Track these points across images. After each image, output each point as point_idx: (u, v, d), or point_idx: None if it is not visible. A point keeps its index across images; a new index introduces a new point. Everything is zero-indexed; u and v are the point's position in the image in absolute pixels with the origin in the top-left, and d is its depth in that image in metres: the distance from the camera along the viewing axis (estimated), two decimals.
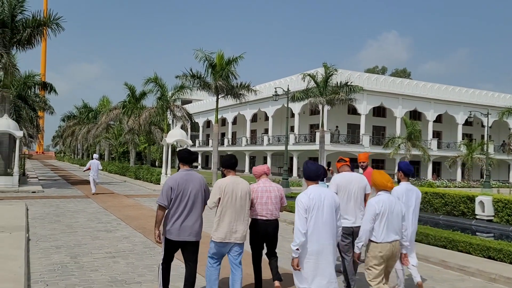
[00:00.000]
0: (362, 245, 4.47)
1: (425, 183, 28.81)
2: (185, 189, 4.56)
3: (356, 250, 4.55)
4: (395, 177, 30.82)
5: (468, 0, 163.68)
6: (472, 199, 12.92)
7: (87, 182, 22.48)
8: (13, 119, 20.74)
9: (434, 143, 40.68)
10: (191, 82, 25.82)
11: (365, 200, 5.54)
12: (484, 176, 31.59)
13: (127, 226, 10.41)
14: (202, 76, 25.27)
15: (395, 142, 30.65)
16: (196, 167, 52.76)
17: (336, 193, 5.20)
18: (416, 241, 6.86)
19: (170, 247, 4.67)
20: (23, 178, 22.75)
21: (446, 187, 29.13)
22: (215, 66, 24.92)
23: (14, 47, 20.49)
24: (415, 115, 42.94)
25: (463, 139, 41.54)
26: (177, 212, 4.54)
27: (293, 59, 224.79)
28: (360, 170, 7.45)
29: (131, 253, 7.49)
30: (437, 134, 44.35)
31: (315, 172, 4.21)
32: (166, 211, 4.59)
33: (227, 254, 4.73)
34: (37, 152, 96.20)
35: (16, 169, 19.11)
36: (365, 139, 36.49)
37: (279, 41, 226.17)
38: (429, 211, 14.19)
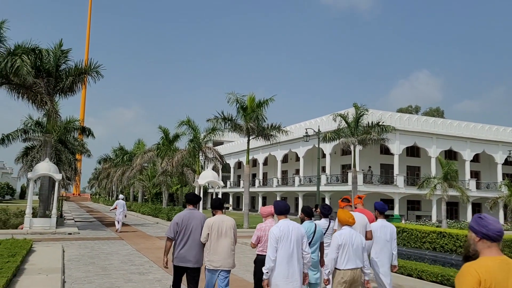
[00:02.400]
0: (329, 272, 5.14)
1: (465, 225, 27.55)
2: (188, 225, 5.58)
3: (324, 276, 5.22)
4: (431, 219, 29.36)
5: (501, 38, 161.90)
6: None
7: (123, 225, 22.93)
8: (54, 163, 21.57)
9: (472, 184, 39.15)
10: (223, 124, 26.34)
11: (366, 237, 6.13)
12: None
13: (160, 268, 10.41)
14: (233, 118, 25.77)
15: (431, 183, 29.70)
16: (227, 208, 52.66)
17: None
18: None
19: (177, 272, 5.65)
20: (60, 220, 23.34)
21: None
22: (246, 108, 25.40)
23: (57, 94, 21.62)
24: (450, 155, 41.76)
25: (503, 179, 39.81)
26: (181, 243, 5.54)
27: (324, 100, 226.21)
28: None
29: None
30: (475, 174, 42.77)
31: (284, 208, 5.17)
32: (173, 242, 5.61)
33: (217, 279, 5.62)
34: (73, 194, 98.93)
35: (54, 211, 19.67)
36: (399, 180, 35.60)
37: (310, 81, 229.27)
38: None
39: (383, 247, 6.25)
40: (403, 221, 31.46)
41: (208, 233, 5.56)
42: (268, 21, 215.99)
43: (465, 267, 2.32)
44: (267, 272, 4.82)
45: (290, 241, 4.85)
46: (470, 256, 2.42)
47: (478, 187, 39.88)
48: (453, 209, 41.19)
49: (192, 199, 5.84)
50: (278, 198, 44.90)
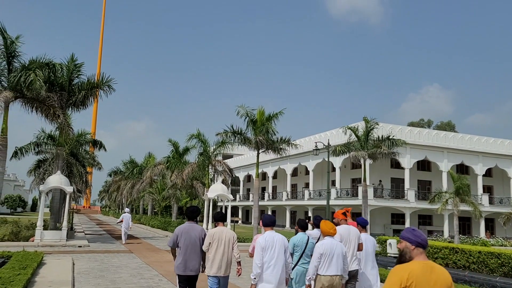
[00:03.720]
0: (310, 278, 5.54)
1: (478, 241, 27.09)
2: (187, 237, 6.09)
3: (306, 282, 5.58)
4: (443, 234, 28.93)
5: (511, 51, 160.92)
6: None
7: (130, 237, 23.01)
8: (65, 175, 21.79)
9: (485, 199, 38.59)
10: (232, 138, 26.42)
11: (358, 248, 6.46)
12: None
13: (169, 282, 10.38)
14: (242, 131, 25.84)
15: (442, 197, 29.32)
16: (237, 221, 52.51)
17: (341, 241, 6.03)
18: None
19: (180, 280, 6.14)
20: (71, 233, 23.47)
21: (501, 245, 27.20)
22: (256, 122, 25.48)
23: (70, 108, 21.94)
24: (462, 169, 41.31)
25: None
26: (181, 254, 6.07)
27: (334, 113, 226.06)
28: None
29: None
30: (488, 189, 42.18)
31: (270, 220, 5.74)
32: (176, 252, 6.19)
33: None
34: (84, 207, 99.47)
35: (64, 223, 19.78)
36: (410, 194, 35.24)
37: (320, 94, 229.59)
38: (484, 272, 13.23)
39: (367, 259, 6.74)
40: None
41: (210, 242, 6.05)
42: (278, 34, 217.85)
43: (394, 268, 2.89)
44: (254, 278, 5.40)
45: (274, 250, 5.45)
46: (404, 261, 2.95)
47: (491, 202, 39.30)
48: (465, 224, 40.56)
49: (190, 215, 6.36)
50: (287, 212, 44.69)
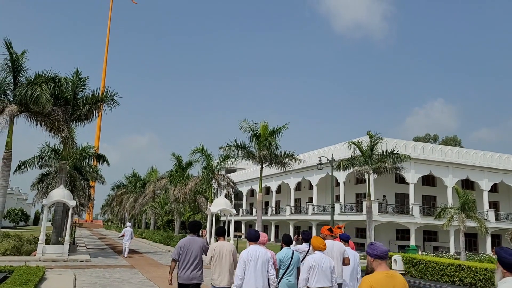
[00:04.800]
0: None
1: (485, 258, 26.67)
2: (189, 249, 6.60)
3: None
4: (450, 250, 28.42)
5: None
6: None
7: (131, 252, 22.86)
8: (68, 189, 21.75)
9: (491, 214, 38.16)
10: (235, 152, 26.40)
11: (344, 263, 6.96)
12: None
13: None
14: (246, 146, 25.84)
15: (448, 213, 29.02)
16: (240, 236, 52.09)
17: None
18: None
19: None
20: (73, 247, 23.32)
21: None
22: (259, 136, 25.50)
23: (74, 122, 22.02)
24: (467, 184, 40.98)
25: None
26: (183, 264, 6.56)
27: (338, 127, 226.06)
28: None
29: None
30: (494, 205, 41.75)
31: (254, 236, 6.12)
32: (178, 263, 6.64)
33: None
34: (86, 221, 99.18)
35: (67, 237, 19.67)
36: (415, 209, 34.91)
37: (324, 109, 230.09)
38: None
39: (352, 273, 7.19)
40: (419, 253, 30.59)
41: (212, 256, 6.48)
42: (282, 49, 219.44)
43: (363, 278, 3.42)
44: None
45: (257, 263, 5.82)
46: (369, 273, 3.48)
47: (497, 218, 38.86)
48: (471, 241, 40.07)
49: (192, 229, 6.90)
50: (291, 227, 44.36)
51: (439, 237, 38.78)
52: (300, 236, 7.97)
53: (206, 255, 6.69)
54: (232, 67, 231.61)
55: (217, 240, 6.81)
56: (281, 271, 6.51)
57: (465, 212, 27.23)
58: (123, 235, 21.82)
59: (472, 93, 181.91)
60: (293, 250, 6.76)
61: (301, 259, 6.99)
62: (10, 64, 18.34)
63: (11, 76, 18.53)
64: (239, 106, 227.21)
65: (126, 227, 22.56)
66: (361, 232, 39.62)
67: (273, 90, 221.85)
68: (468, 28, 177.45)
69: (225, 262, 6.45)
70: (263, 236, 6.61)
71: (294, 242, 8.87)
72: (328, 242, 6.93)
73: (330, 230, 7.39)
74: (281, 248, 6.88)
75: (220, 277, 6.37)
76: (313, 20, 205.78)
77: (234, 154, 27.39)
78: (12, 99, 18.54)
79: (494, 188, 41.50)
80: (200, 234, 7.23)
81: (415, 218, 34.30)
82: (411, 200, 35.52)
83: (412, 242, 33.54)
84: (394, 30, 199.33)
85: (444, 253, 31.92)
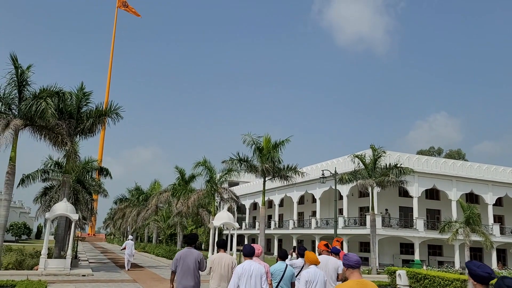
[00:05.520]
0: None
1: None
2: (185, 260, 6.93)
3: None
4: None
5: None
6: None
7: (134, 266, 22.74)
8: (71, 203, 21.73)
9: (496, 229, 37.80)
10: (238, 165, 26.39)
11: (338, 278, 7.11)
12: None
13: None
14: (249, 159, 25.84)
15: (452, 227, 28.79)
16: (241, 251, 51.79)
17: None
18: None
19: None
20: (75, 261, 23.20)
21: None
22: (262, 149, 25.52)
23: (77, 135, 22.09)
24: (471, 198, 40.73)
25: None
26: (180, 274, 6.88)
27: (341, 141, 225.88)
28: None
29: None
30: (498, 219, 41.42)
31: (248, 251, 6.33)
32: (176, 274, 6.99)
33: None
34: (88, 234, 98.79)
35: (69, 251, 19.58)
36: (419, 223, 34.65)
37: (327, 122, 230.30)
38: None
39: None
40: (424, 267, 30.28)
41: (211, 267, 6.84)
42: (285, 62, 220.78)
43: (336, 287, 3.87)
44: None
45: (250, 277, 6.01)
46: (344, 281, 3.80)
47: (502, 232, 38.50)
48: (477, 255, 39.66)
49: (189, 241, 7.29)
50: (294, 241, 44.05)
51: (444, 251, 38.42)
52: (296, 251, 8.23)
53: (201, 267, 7.04)
54: (235, 80, 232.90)
55: (218, 252, 7.13)
56: (274, 284, 6.69)
57: (470, 226, 27.01)
58: (125, 248, 22.36)
59: (475, 106, 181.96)
60: (287, 264, 6.92)
61: (296, 274, 7.16)
62: (15, 78, 18.50)
63: (16, 90, 18.68)
64: (241, 119, 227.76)
65: (128, 239, 23.10)
66: (364, 246, 39.29)
67: (276, 102, 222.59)
68: (471, 41, 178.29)
69: (224, 274, 6.76)
70: (257, 248, 6.77)
71: (289, 257, 9.05)
72: (324, 257, 7.27)
73: (327, 245, 7.59)
74: (276, 261, 7.06)
75: (218, 286, 6.68)
76: (315, 33, 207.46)
77: (237, 168, 27.37)
78: (17, 113, 18.68)
79: (498, 202, 41.21)
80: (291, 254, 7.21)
81: (419, 232, 34.04)
82: (415, 213, 35.29)
83: (417, 257, 33.20)
84: (397, 44, 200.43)
85: (449, 268, 31.55)
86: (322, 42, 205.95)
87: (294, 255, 10.61)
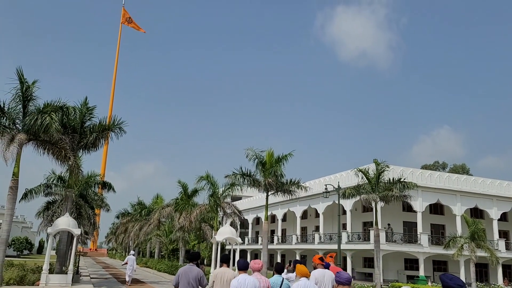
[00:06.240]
0: None
1: None
2: (186, 276, 7.22)
3: None
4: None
5: None
6: None
7: (135, 281, 22.53)
8: (74, 217, 21.64)
9: (501, 244, 37.34)
10: (241, 179, 26.30)
11: None
12: None
13: None
14: (251, 173, 25.76)
15: (457, 242, 28.48)
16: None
17: (316, 284, 6.95)
18: None
19: None
20: (76, 276, 23.04)
21: None
22: (265, 164, 25.47)
23: (81, 150, 22.12)
24: (476, 213, 40.37)
25: None
26: None
27: (344, 155, 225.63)
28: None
29: None
30: (504, 234, 40.96)
31: (243, 265, 6.61)
32: None
33: None
34: (90, 249, 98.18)
35: (70, 267, 19.46)
36: (424, 238, 34.28)
37: (330, 137, 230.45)
38: None
39: None
40: (429, 283, 29.87)
41: (213, 281, 7.05)
42: (288, 77, 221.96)
43: None
44: None
45: None
46: None
47: (507, 247, 38.02)
48: (482, 271, 39.11)
49: (191, 258, 7.60)
50: (297, 256, 43.63)
51: (449, 267, 37.92)
52: (291, 266, 8.54)
53: (201, 283, 7.31)
54: (237, 94, 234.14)
55: (221, 266, 7.39)
56: None
57: (475, 241, 26.72)
58: (126, 263, 22.60)
59: (478, 120, 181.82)
60: (283, 278, 7.09)
61: None
62: (20, 94, 18.62)
63: (21, 106, 18.79)
64: (244, 133, 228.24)
65: (130, 254, 23.32)
66: (368, 261, 38.87)
67: (279, 117, 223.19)
68: (473, 56, 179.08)
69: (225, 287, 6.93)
70: (257, 263, 6.92)
71: (285, 270, 9.30)
72: (320, 271, 7.50)
73: (321, 259, 7.84)
74: (273, 275, 7.24)
75: None
76: (318, 48, 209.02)
77: (240, 182, 27.27)
78: (21, 128, 18.76)
79: (503, 217, 40.81)
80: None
81: (424, 247, 33.67)
82: (419, 228, 34.95)
83: (422, 273, 32.77)
84: (399, 59, 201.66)
85: None
86: (325, 57, 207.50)
87: (285, 270, 10.87)
